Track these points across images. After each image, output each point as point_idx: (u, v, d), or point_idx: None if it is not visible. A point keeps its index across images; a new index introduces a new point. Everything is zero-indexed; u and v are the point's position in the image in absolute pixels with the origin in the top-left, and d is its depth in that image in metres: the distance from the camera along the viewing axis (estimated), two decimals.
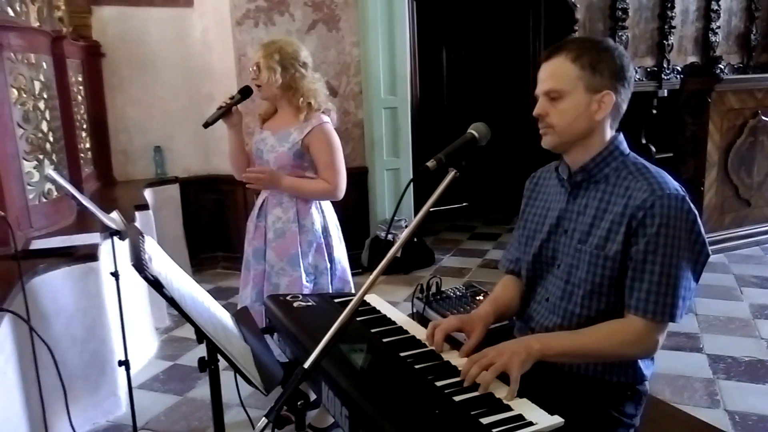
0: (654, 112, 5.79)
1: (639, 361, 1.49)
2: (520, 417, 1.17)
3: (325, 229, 2.50)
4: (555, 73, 1.44)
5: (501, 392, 1.24)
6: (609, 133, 1.50)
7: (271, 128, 2.49)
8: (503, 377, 1.28)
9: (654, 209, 1.36)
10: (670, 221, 1.36)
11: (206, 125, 2.36)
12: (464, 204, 6.56)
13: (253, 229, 2.54)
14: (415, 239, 4.90)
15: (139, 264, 1.20)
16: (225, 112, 2.39)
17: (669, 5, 5.69)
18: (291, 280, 2.42)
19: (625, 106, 1.50)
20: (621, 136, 1.52)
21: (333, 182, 2.41)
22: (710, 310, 3.77)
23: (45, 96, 3.00)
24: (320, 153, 2.40)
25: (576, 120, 1.44)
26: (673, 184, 1.41)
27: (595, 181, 1.49)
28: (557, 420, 1.16)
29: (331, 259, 2.51)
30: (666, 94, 5.74)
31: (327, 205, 2.54)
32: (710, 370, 3.04)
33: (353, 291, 2.57)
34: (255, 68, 2.41)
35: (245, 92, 2.42)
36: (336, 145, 2.43)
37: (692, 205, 1.40)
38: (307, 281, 2.45)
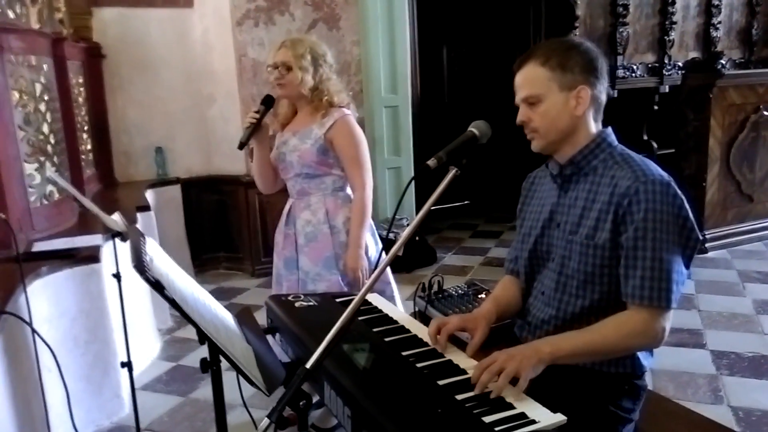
0: (655, 108, 5.78)
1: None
2: (522, 415, 1.17)
3: None
4: (528, 79, 1.48)
5: (509, 395, 1.24)
6: (593, 126, 1.52)
7: (292, 129, 2.41)
8: (512, 380, 1.27)
9: (639, 195, 1.38)
10: (656, 206, 1.37)
11: (241, 146, 2.27)
12: (466, 202, 6.55)
13: (282, 239, 2.46)
14: (417, 238, 4.90)
15: (141, 266, 1.20)
16: (256, 128, 2.29)
17: (670, 1, 5.68)
18: (329, 284, 2.34)
19: (603, 98, 1.52)
20: (609, 130, 1.54)
21: (363, 183, 2.35)
22: (713, 306, 3.77)
23: (46, 98, 3.00)
24: (344, 147, 2.33)
25: (557, 119, 1.47)
26: (658, 171, 1.43)
27: (584, 173, 1.51)
28: (560, 418, 1.16)
29: (367, 257, 2.41)
30: (667, 90, 5.73)
31: None
32: (713, 366, 3.04)
33: (395, 292, 2.52)
34: (279, 68, 2.30)
35: (268, 102, 2.32)
36: (359, 138, 2.37)
37: (678, 190, 1.40)
38: (346, 284, 2.38)
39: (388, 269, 2.45)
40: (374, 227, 2.52)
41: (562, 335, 1.45)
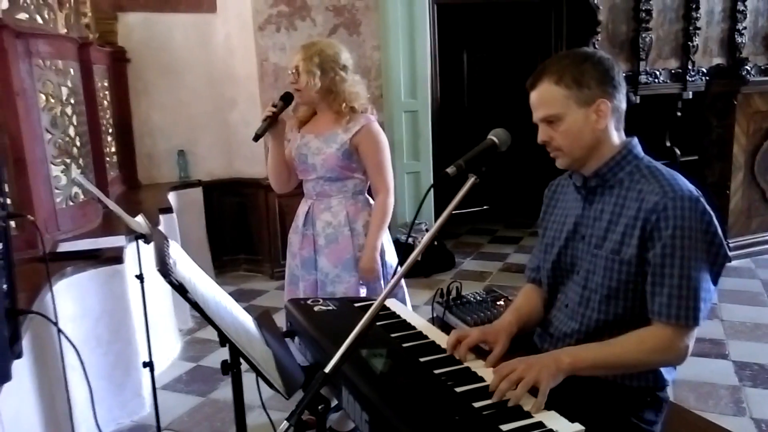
0: (678, 114, 5.70)
1: None
2: (540, 424, 1.17)
3: None
4: (544, 99, 1.46)
5: (528, 404, 1.24)
6: (616, 136, 1.49)
7: (313, 131, 2.41)
8: (531, 389, 1.27)
9: (667, 212, 1.36)
10: (685, 223, 1.35)
11: (256, 138, 2.30)
12: (485, 207, 6.53)
13: (299, 239, 2.47)
14: (436, 242, 4.90)
15: (164, 269, 1.22)
16: (272, 122, 2.31)
17: (694, 6, 5.60)
18: (348, 286, 2.36)
19: (623, 106, 1.50)
20: (635, 140, 1.52)
21: (386, 189, 2.38)
22: (736, 316, 3.71)
23: (72, 101, 3.06)
24: (370, 153, 2.35)
25: (580, 136, 1.45)
26: (686, 186, 1.41)
27: (609, 185, 1.49)
28: (578, 427, 1.15)
29: (383, 263, 2.44)
30: (691, 96, 5.65)
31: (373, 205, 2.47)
32: (736, 377, 2.99)
33: (406, 295, 2.54)
34: (294, 72, 2.33)
35: (287, 99, 2.34)
36: (384, 144, 2.39)
37: (707, 206, 1.38)
38: (362, 286, 2.40)
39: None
40: (388, 233, 2.52)
41: (583, 346, 1.44)
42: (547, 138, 1.48)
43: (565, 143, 1.46)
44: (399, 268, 2.45)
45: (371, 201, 2.47)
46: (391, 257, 2.50)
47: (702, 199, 1.39)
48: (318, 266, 2.42)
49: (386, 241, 2.48)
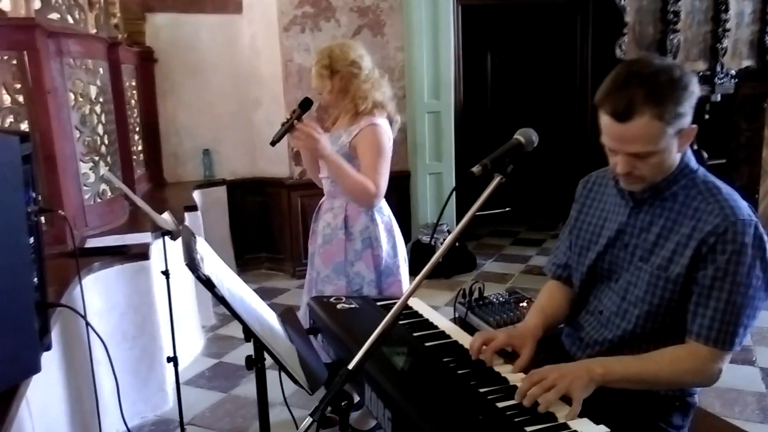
0: (706, 117, 5.62)
1: None
2: (565, 426, 1.16)
3: (376, 239, 2.36)
4: (643, 136, 1.30)
5: (560, 411, 1.22)
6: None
7: (333, 130, 2.44)
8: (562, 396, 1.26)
9: (726, 236, 1.32)
10: (744, 249, 1.31)
11: (273, 143, 2.30)
12: (507, 209, 6.49)
13: (311, 233, 2.53)
14: (457, 243, 4.88)
15: (193, 264, 1.24)
16: (289, 128, 2.30)
17: (723, 8, 5.52)
18: (335, 289, 2.35)
19: None
20: (689, 152, 1.44)
21: (376, 185, 2.27)
22: (764, 322, 3.63)
23: (101, 100, 3.11)
24: (365, 154, 2.28)
25: (667, 164, 1.38)
26: (746, 209, 1.36)
27: (662, 198, 1.43)
28: (603, 430, 1.15)
29: (379, 272, 2.38)
30: (719, 99, 5.57)
31: (379, 214, 2.40)
32: (763, 384, 2.94)
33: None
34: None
35: (305, 105, 2.31)
36: (383, 147, 2.30)
37: (764, 231, 1.35)
38: (352, 292, 2.36)
39: (402, 283, 2.43)
40: (396, 228, 2.47)
41: (616, 358, 1.42)
42: (631, 169, 1.36)
43: (651, 173, 1.37)
44: (403, 268, 2.46)
45: (375, 210, 2.39)
46: (384, 246, 2.39)
47: (759, 223, 1.35)
48: (314, 263, 2.44)
49: (383, 236, 2.39)
